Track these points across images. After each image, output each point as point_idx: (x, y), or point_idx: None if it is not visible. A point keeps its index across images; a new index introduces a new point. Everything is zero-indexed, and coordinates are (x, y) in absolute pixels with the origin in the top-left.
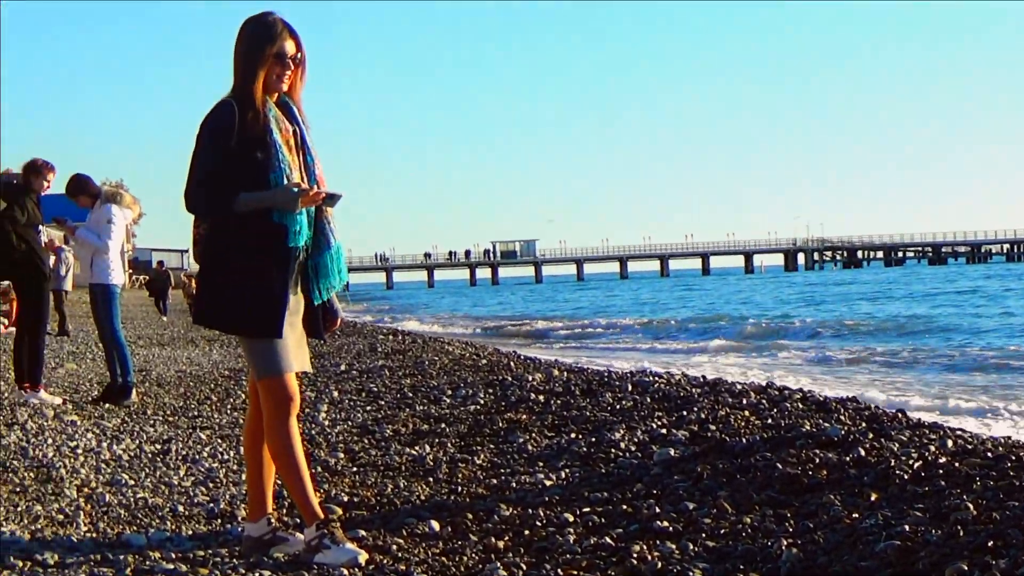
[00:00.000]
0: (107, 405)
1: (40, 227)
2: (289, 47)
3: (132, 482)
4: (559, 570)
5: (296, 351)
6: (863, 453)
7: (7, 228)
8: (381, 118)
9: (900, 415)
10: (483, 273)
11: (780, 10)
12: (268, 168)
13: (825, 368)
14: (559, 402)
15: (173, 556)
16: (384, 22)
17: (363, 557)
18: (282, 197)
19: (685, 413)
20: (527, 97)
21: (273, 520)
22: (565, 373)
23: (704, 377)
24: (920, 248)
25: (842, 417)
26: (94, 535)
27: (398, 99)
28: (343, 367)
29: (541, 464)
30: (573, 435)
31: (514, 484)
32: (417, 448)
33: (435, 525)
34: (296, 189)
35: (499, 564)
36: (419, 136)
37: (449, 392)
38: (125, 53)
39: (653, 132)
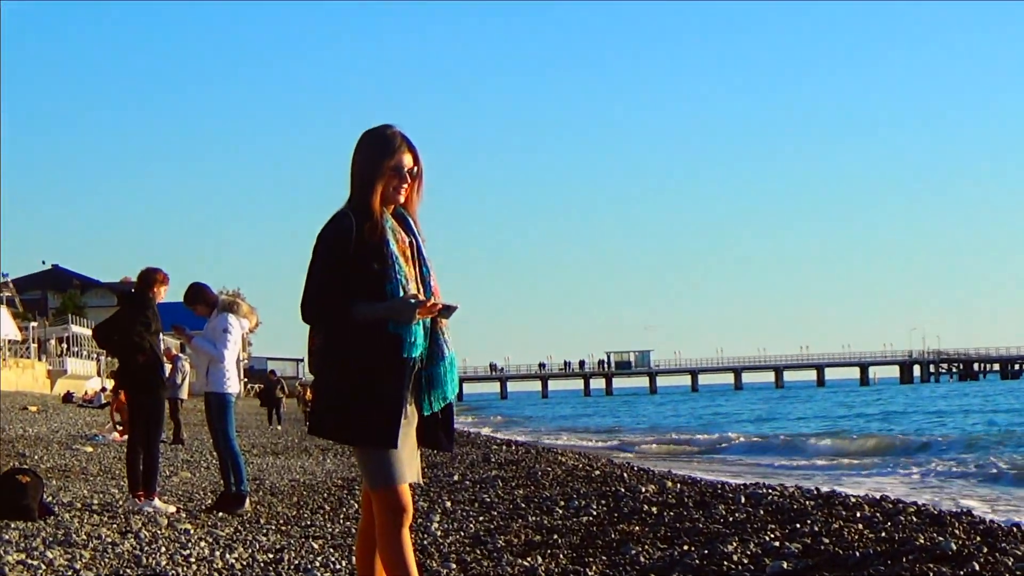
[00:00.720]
0: (220, 514)
1: (160, 335)
2: (407, 160)
3: None
4: None
5: (409, 462)
6: (977, 568)
7: (143, 335)
8: (495, 229)
9: (1015, 530)
10: (597, 383)
11: (895, 128)
12: (385, 279)
13: (941, 481)
14: (672, 514)
15: None
16: (493, 133)
17: None
18: (399, 308)
19: (798, 526)
20: (640, 210)
21: None
22: (678, 484)
23: (818, 489)
24: None
25: (956, 531)
26: None
27: (512, 210)
28: (456, 477)
29: None
30: (686, 547)
31: None
32: (529, 559)
33: None
34: (413, 300)
35: None
36: (534, 247)
37: (562, 503)
38: (240, 164)
39: (767, 245)
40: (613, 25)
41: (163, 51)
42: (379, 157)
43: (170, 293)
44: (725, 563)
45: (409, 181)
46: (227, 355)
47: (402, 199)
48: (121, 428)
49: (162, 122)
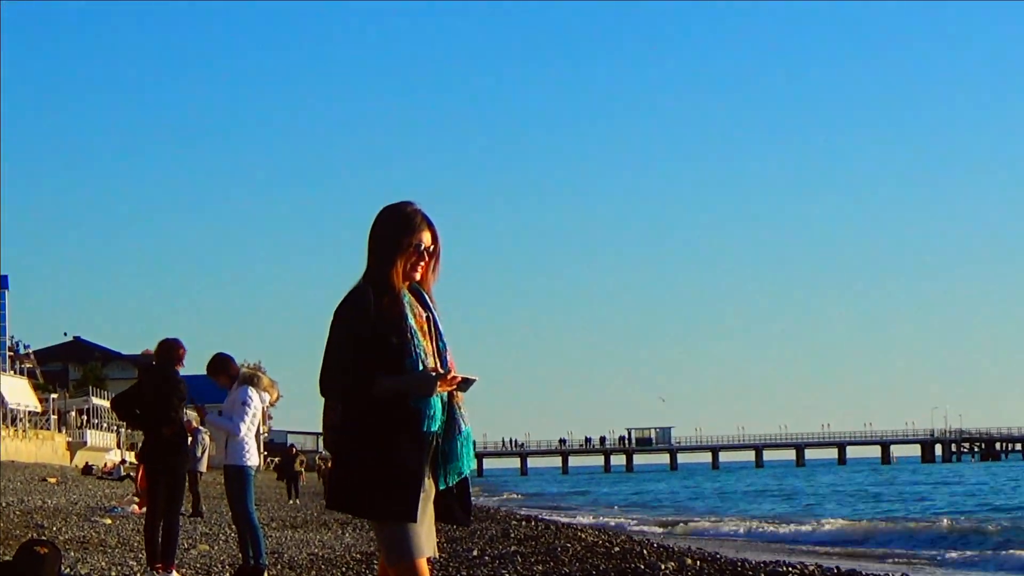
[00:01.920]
0: None
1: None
2: (426, 238)
3: None
4: None
5: (427, 536)
6: None
7: (176, 406)
8: (514, 304)
9: None
10: (618, 460)
11: (917, 204)
12: (404, 353)
13: (964, 567)
14: None
15: None
16: (507, 215)
17: None
18: (419, 382)
19: None
20: (662, 287)
21: None
22: (698, 562)
23: (838, 568)
24: None
25: None
26: None
27: (532, 285)
28: (475, 552)
29: None
30: None
31: None
32: None
33: None
34: (434, 373)
35: None
36: (555, 322)
37: None
38: (262, 240)
39: (789, 323)
40: (638, 93)
41: (185, 124)
42: (400, 234)
43: (188, 365)
44: None
45: (426, 259)
46: (242, 428)
47: (418, 276)
48: (140, 500)
49: (184, 193)
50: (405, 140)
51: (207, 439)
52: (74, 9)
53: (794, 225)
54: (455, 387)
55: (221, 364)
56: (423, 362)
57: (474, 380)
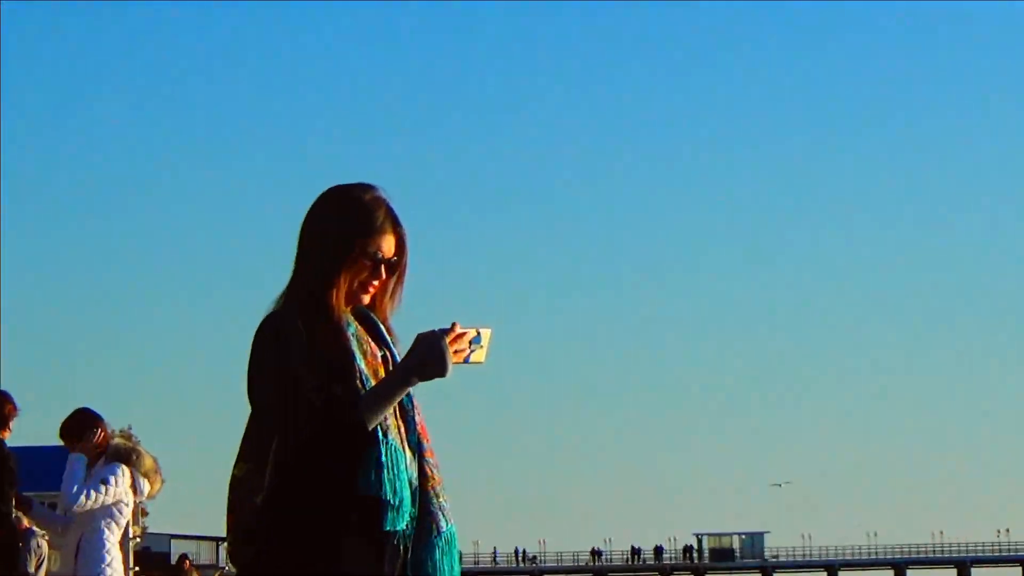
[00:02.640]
0: None
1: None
2: (387, 245)
3: None
4: None
5: None
6: None
7: (6, 495)
8: (528, 345)
9: None
10: None
11: None
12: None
13: None
14: None
15: None
16: (528, 272)
17: None
18: (423, 356)
19: None
20: (753, 327)
21: None
22: None
23: None
24: None
25: None
26: None
27: (559, 326)
28: None
29: None
30: None
31: None
32: None
33: None
34: (432, 335)
35: None
36: (585, 377)
37: None
38: (126, 249)
39: (941, 386)
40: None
41: (42, 130)
42: (349, 233)
43: (17, 432)
44: None
45: (383, 276)
46: (76, 507)
47: (367, 299)
48: None
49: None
50: (348, 153)
51: (44, 545)
52: None
53: (935, 291)
54: (469, 351)
55: (82, 424)
56: (379, 423)
57: (489, 330)
